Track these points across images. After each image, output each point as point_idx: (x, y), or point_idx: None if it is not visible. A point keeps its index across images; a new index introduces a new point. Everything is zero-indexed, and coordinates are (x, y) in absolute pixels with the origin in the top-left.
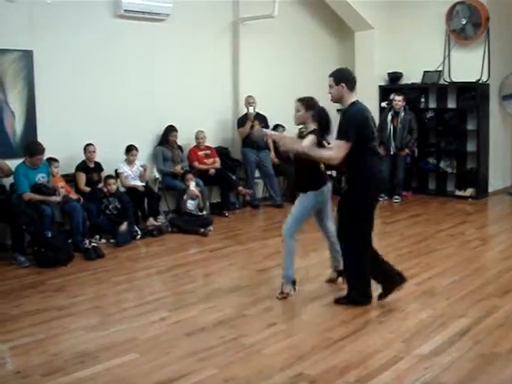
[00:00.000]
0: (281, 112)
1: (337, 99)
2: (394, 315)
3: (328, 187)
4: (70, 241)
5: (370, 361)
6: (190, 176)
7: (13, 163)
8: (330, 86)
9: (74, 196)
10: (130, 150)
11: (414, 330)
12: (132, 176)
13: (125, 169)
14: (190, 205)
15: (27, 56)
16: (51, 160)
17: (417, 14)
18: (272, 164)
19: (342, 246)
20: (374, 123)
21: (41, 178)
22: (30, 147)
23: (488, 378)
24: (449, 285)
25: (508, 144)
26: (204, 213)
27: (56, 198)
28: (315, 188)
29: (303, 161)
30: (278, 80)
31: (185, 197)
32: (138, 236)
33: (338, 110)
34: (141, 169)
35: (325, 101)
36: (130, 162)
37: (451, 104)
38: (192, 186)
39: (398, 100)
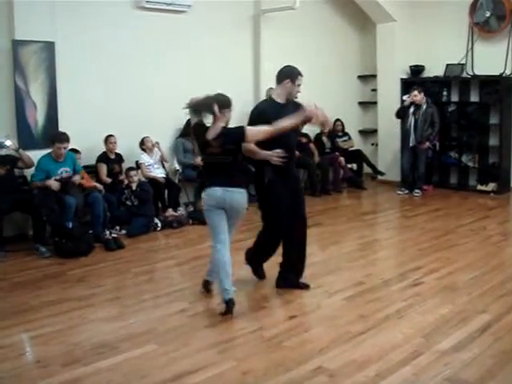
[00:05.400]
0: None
1: None
2: (414, 310)
3: None
4: (90, 231)
5: (390, 355)
6: None
7: (34, 154)
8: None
9: (97, 185)
10: (144, 139)
11: (434, 325)
12: (153, 164)
13: (145, 159)
14: None
15: (49, 47)
16: (73, 151)
17: (439, 7)
18: None
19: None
20: None
21: (64, 172)
22: (53, 134)
23: (509, 375)
24: (470, 280)
25: None
26: None
27: (53, 182)
28: None
29: None
30: None
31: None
32: (158, 227)
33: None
34: (160, 153)
35: (347, 92)
36: (149, 151)
37: (474, 97)
38: None
39: (415, 95)
